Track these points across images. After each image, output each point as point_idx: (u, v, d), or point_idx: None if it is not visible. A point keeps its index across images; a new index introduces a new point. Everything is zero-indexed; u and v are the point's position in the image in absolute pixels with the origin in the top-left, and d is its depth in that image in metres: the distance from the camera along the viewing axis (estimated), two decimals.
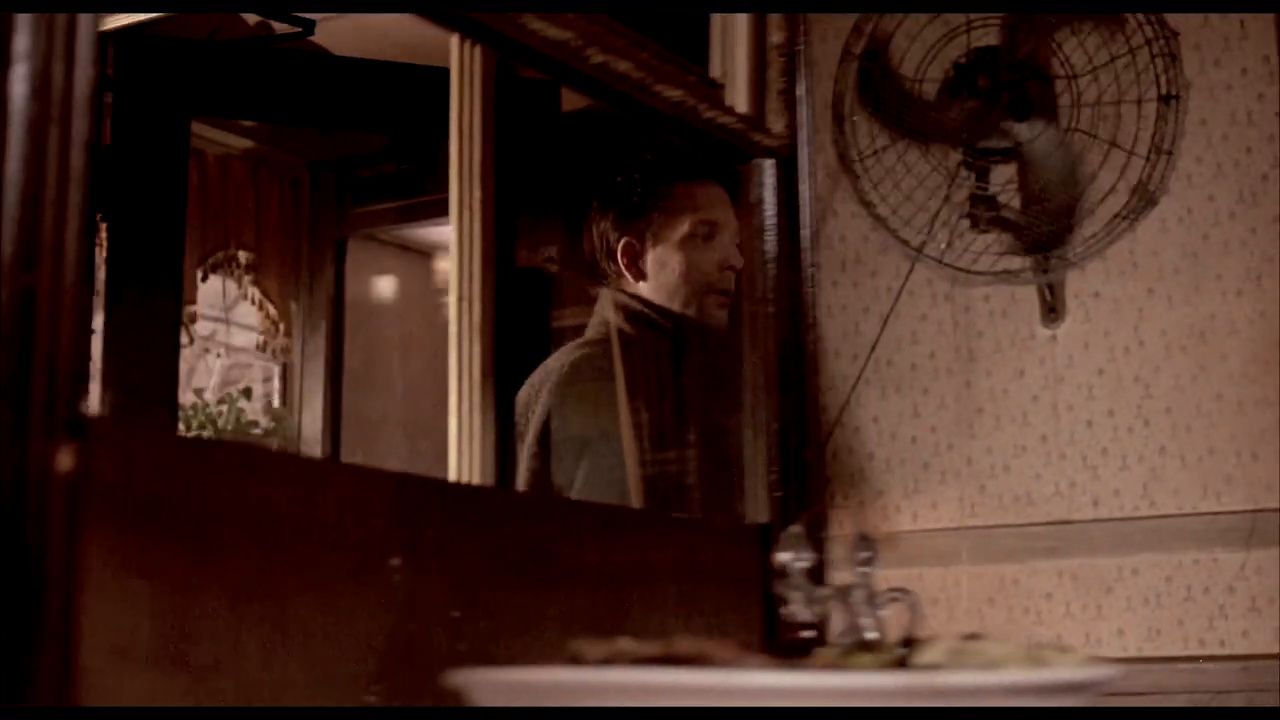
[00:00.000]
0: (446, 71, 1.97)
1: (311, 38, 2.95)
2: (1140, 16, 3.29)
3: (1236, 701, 3.26)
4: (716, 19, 1.51)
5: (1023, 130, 3.28)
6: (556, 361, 2.41)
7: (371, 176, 3.44)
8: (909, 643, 1.15)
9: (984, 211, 3.33)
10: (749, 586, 1.48)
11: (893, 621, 1.40)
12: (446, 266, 3.07)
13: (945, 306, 3.73)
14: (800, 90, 1.66)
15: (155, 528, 1.00)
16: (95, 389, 2.12)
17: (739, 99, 1.51)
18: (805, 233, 1.64)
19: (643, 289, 2.41)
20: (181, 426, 3.60)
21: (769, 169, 1.61)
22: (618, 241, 2.41)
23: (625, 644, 0.98)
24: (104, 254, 2.27)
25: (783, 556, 1.22)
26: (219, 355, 4.37)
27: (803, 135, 1.65)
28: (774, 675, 0.84)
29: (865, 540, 1.30)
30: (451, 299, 1.86)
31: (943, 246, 3.44)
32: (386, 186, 3.44)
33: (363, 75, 2.63)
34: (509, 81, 1.99)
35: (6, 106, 0.82)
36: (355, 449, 3.45)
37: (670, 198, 2.42)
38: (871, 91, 3.39)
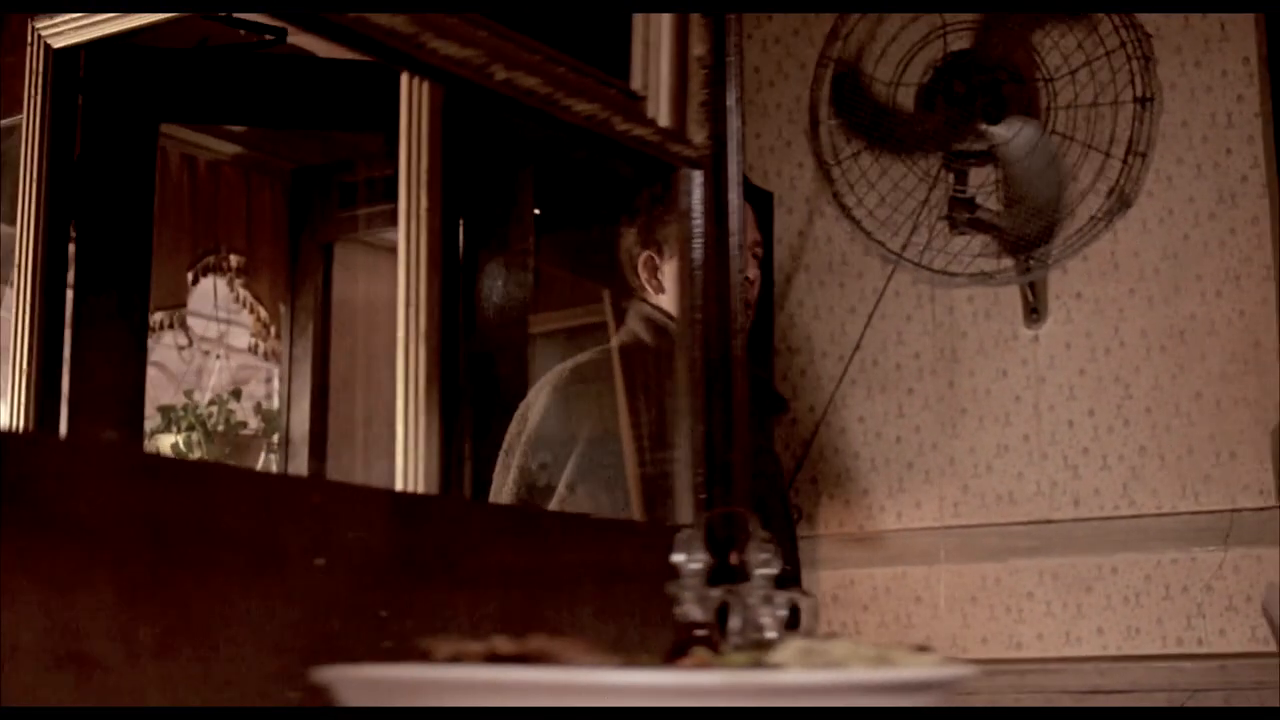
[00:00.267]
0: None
1: (293, 41, 2.99)
2: (1115, 19, 3.31)
3: (1214, 700, 3.28)
4: (639, 32, 1.55)
5: (999, 132, 3.30)
6: (567, 364, 2.50)
7: (358, 180, 3.49)
8: None
9: (962, 213, 3.36)
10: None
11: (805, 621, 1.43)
12: None
13: (929, 307, 3.76)
14: (730, 100, 1.69)
15: (49, 529, 1.04)
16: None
17: (661, 111, 1.55)
18: (734, 240, 1.67)
19: (663, 301, 2.48)
20: (176, 427, 3.66)
21: (697, 179, 1.64)
22: (640, 255, 2.49)
23: (499, 643, 1.01)
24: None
25: (676, 557, 1.26)
26: (218, 357, 4.43)
27: (732, 145, 1.68)
28: (598, 673, 0.87)
29: (765, 542, 1.33)
30: (400, 305, 1.91)
31: (921, 248, 3.47)
32: (373, 190, 3.48)
33: (340, 77, 2.67)
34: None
35: None
36: (341, 448, 3.50)
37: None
38: (846, 98, 3.42)
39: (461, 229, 2.37)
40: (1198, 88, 3.54)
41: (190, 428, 3.47)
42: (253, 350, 3.77)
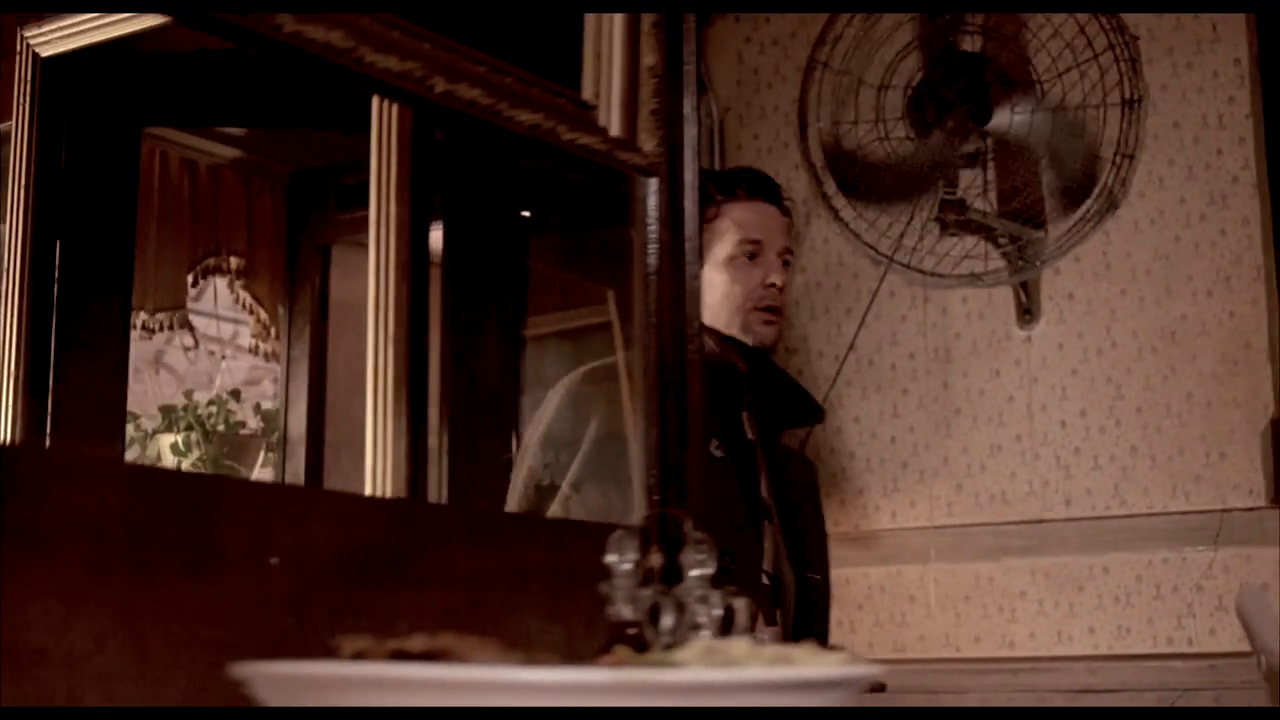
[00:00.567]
0: None
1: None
2: (1103, 20, 3.33)
3: (1204, 699, 3.30)
4: (590, 43, 1.58)
5: (998, 121, 3.32)
6: (584, 367, 2.55)
7: (355, 183, 3.52)
8: None
9: (952, 214, 3.38)
10: None
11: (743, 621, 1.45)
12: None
13: (924, 308, 3.78)
14: (687, 107, 1.72)
15: None
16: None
17: (612, 120, 1.58)
18: (689, 245, 1.70)
19: None
20: (175, 428, 3.70)
21: (652, 185, 1.67)
22: None
23: (409, 641, 1.05)
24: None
25: (609, 558, 1.29)
26: (224, 358, 4.48)
27: (688, 152, 1.71)
28: (492, 671, 0.91)
29: (701, 544, 1.36)
30: (369, 310, 1.95)
31: (910, 250, 3.49)
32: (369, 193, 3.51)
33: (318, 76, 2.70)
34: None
35: None
36: (340, 448, 3.54)
37: (717, 219, 2.50)
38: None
39: (443, 231, 2.40)
40: (1189, 89, 3.55)
41: (189, 428, 3.52)
42: (253, 351, 3.82)
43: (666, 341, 1.68)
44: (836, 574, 3.91)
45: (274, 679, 0.99)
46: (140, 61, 2.54)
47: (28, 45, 2.41)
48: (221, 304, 3.79)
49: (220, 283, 3.73)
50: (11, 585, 1.09)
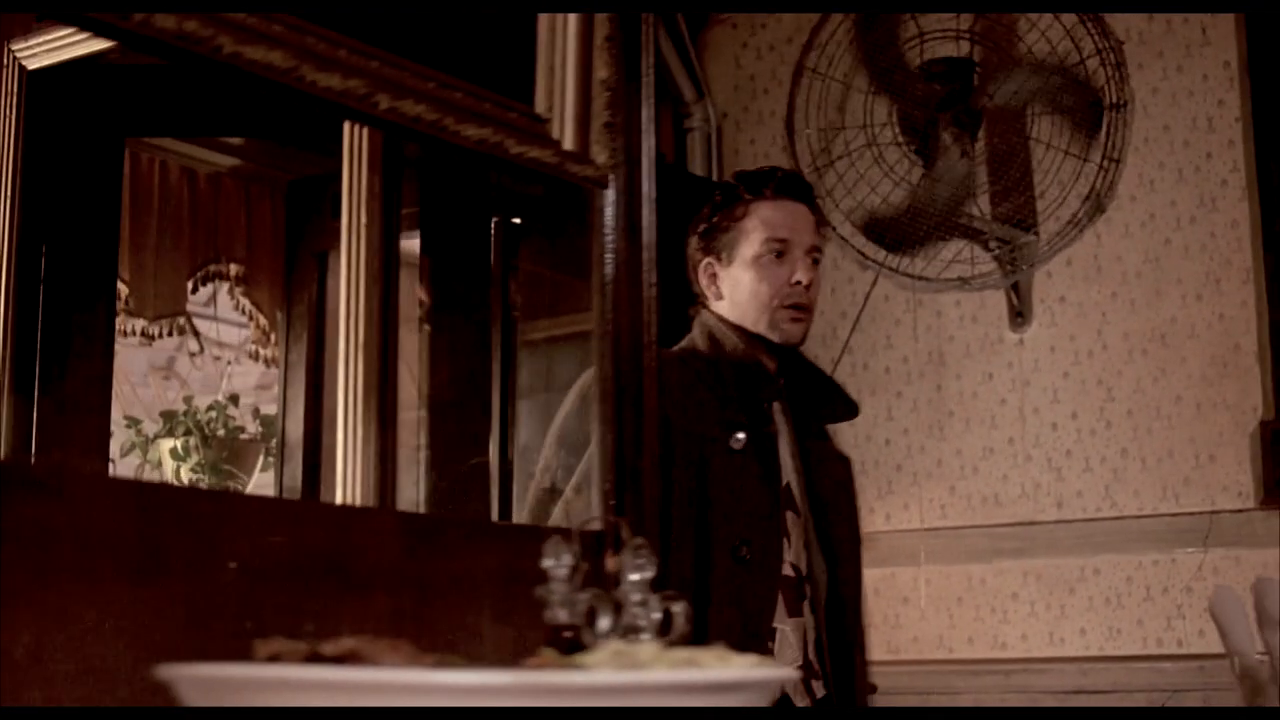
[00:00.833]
0: None
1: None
2: (1090, 25, 3.34)
3: (1193, 700, 3.31)
4: (544, 57, 1.61)
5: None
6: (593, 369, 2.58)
7: None
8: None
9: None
10: None
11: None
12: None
13: (917, 312, 3.80)
14: (644, 119, 1.75)
15: None
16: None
17: (565, 133, 1.61)
18: (646, 256, 1.73)
19: (721, 308, 2.53)
20: (175, 432, 3.75)
21: (609, 197, 1.70)
22: (700, 262, 2.54)
23: (324, 645, 1.08)
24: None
25: (545, 562, 1.32)
26: (229, 363, 4.52)
27: (645, 164, 1.74)
28: (399, 672, 0.94)
29: (639, 548, 1.38)
30: (341, 317, 1.98)
31: (899, 255, 3.52)
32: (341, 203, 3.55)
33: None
34: None
35: None
36: (337, 451, 3.58)
37: (744, 218, 2.53)
38: (822, 106, 3.47)
39: (420, 240, 2.44)
40: (1179, 92, 3.56)
41: (188, 432, 3.56)
42: (253, 356, 3.86)
43: (624, 349, 1.71)
44: None
45: (192, 681, 1.02)
46: (124, 74, 2.58)
47: (14, 58, 2.45)
48: (221, 310, 3.84)
49: (221, 289, 3.77)
50: None
